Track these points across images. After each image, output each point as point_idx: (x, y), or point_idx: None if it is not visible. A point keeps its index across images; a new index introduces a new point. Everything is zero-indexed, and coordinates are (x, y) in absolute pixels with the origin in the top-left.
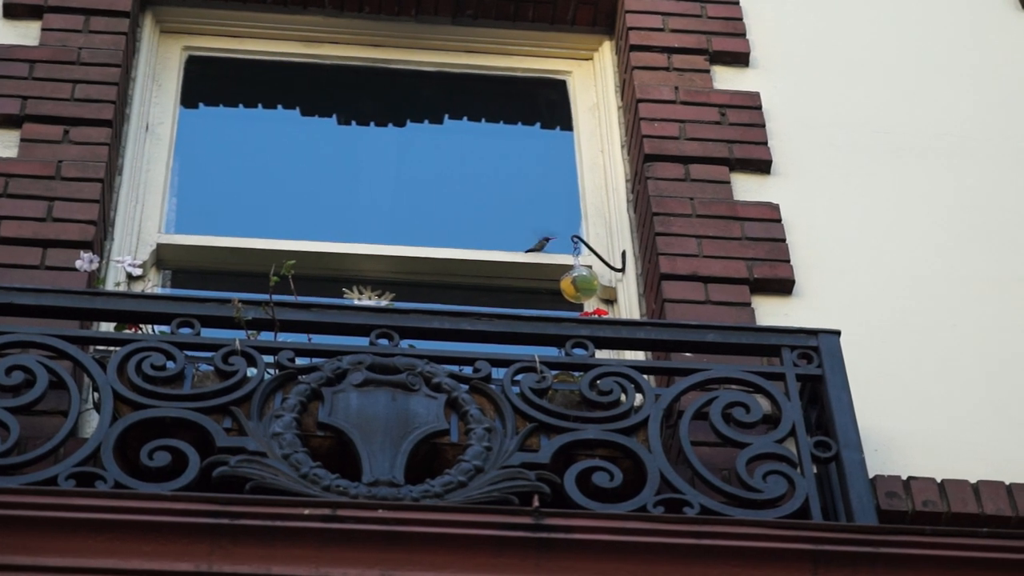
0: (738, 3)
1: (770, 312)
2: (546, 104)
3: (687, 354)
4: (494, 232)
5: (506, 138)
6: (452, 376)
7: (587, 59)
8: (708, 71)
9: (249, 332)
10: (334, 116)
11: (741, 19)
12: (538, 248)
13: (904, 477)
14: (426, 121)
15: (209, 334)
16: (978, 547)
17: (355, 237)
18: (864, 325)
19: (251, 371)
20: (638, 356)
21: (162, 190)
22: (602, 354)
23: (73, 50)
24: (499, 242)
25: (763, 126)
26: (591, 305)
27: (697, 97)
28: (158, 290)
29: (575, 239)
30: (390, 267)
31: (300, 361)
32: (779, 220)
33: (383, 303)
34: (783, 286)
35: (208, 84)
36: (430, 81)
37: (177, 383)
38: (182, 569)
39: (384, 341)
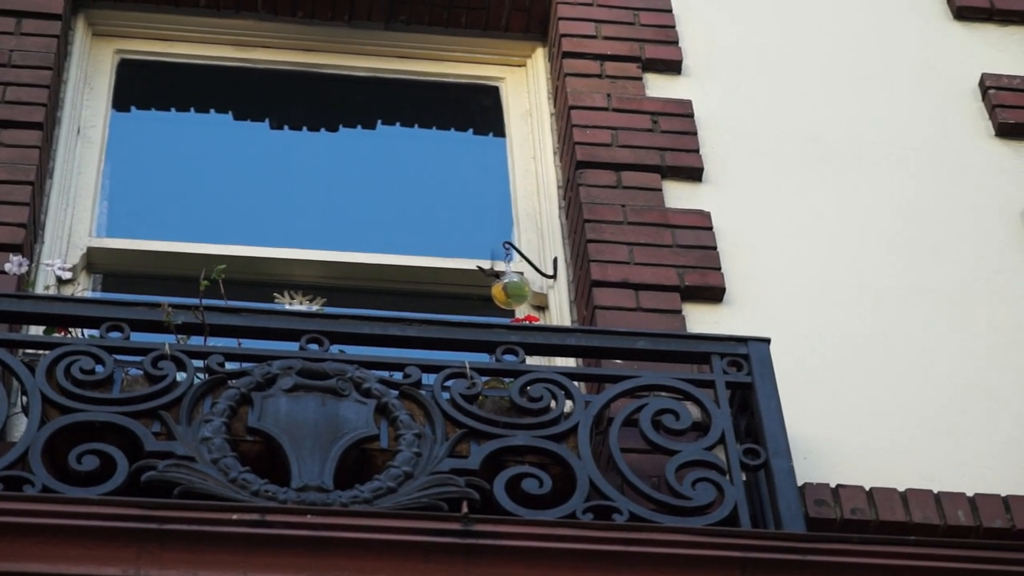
0: (671, 11)
1: (701, 319)
2: (479, 110)
3: (617, 361)
4: (426, 238)
5: (439, 144)
6: (382, 382)
7: (520, 66)
8: (640, 79)
9: (179, 336)
10: (266, 120)
11: (674, 27)
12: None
13: (833, 485)
14: (359, 126)
15: (139, 338)
16: (906, 555)
17: (286, 242)
18: (794, 333)
19: (181, 375)
20: (569, 363)
21: (93, 193)
22: (533, 360)
23: (4, 52)
24: (431, 248)
25: (695, 134)
26: (522, 311)
27: (629, 104)
28: (88, 294)
29: (507, 245)
30: (321, 272)
31: (230, 366)
32: (710, 228)
33: (314, 308)
34: (714, 294)
35: (140, 87)
36: (363, 86)
37: (106, 387)
38: (109, 573)
39: (314, 346)
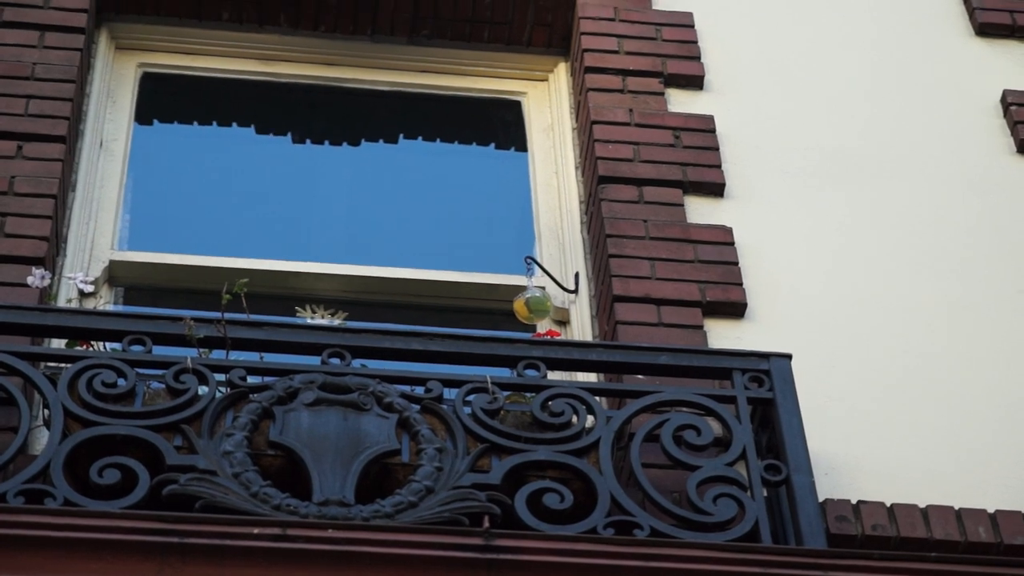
0: (693, 26)
1: (722, 335)
2: (501, 125)
3: (639, 376)
4: (448, 252)
5: (461, 158)
6: (404, 396)
7: (542, 80)
8: (663, 94)
9: (201, 350)
10: (289, 134)
11: (696, 42)
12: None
13: (854, 501)
14: (381, 140)
15: (161, 352)
16: (927, 572)
17: (308, 256)
18: (815, 349)
19: (202, 389)
20: (590, 378)
21: (115, 207)
22: (554, 375)
23: (28, 65)
24: (453, 262)
25: (717, 149)
26: (544, 326)
27: (651, 120)
28: (110, 307)
29: (528, 260)
30: (343, 286)
31: (252, 380)
32: (732, 243)
33: (335, 322)
34: (735, 309)
35: (163, 101)
36: (385, 100)
37: (128, 400)
38: None
39: (336, 360)
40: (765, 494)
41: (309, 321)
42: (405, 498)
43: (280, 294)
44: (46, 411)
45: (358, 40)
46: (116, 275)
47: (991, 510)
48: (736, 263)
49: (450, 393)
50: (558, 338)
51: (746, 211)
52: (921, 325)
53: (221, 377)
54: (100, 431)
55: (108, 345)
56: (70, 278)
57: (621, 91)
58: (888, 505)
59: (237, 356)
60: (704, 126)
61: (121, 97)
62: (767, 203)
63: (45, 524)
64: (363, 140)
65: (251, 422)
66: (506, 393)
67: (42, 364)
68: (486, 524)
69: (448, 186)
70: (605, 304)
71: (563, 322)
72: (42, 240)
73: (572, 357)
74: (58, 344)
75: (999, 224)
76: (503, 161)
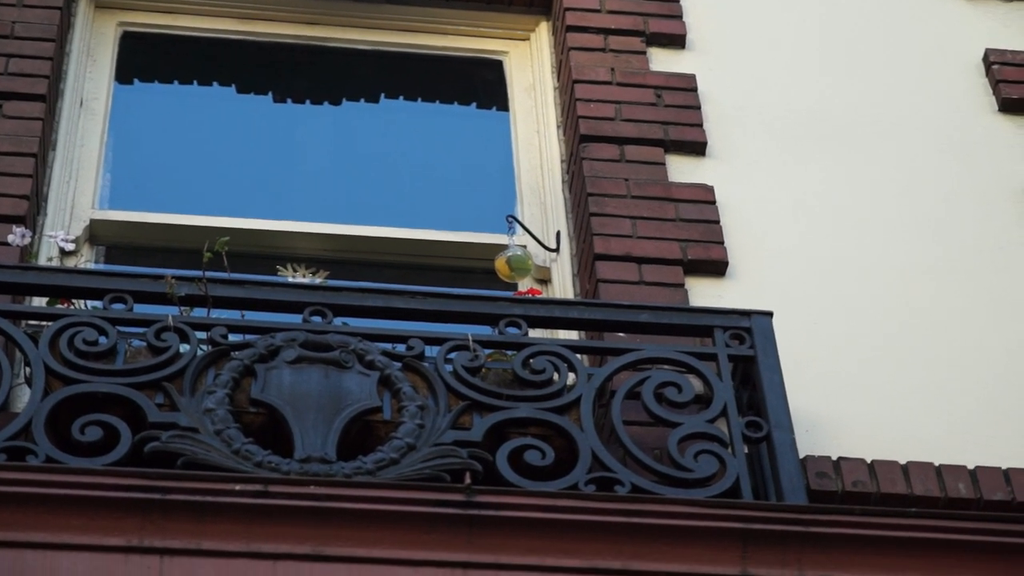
0: None
1: (703, 293)
2: (482, 84)
3: (620, 334)
4: (429, 211)
5: (442, 117)
6: (385, 354)
7: (524, 39)
8: (644, 53)
9: (182, 308)
10: (270, 94)
11: (678, 1)
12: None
13: (834, 457)
14: (362, 99)
15: (142, 310)
16: (907, 527)
17: (290, 215)
18: (796, 307)
19: (184, 347)
20: (571, 335)
21: (96, 166)
22: (535, 333)
23: (7, 24)
24: (434, 221)
25: (698, 108)
26: (525, 284)
27: (633, 79)
28: (91, 265)
29: (510, 219)
30: (324, 245)
31: (233, 338)
32: (713, 202)
33: (317, 281)
34: (716, 267)
35: (143, 60)
36: (366, 60)
37: (109, 358)
38: (113, 544)
39: (317, 318)
40: (746, 451)
41: (290, 279)
42: (387, 455)
43: (261, 253)
44: (27, 369)
45: None
46: (97, 234)
47: (971, 466)
48: (717, 222)
49: (431, 351)
50: (539, 296)
51: (727, 170)
52: (901, 283)
53: (202, 335)
54: (82, 388)
55: (89, 303)
56: (51, 236)
57: (603, 50)
58: (868, 461)
59: (218, 314)
60: (686, 85)
61: (101, 56)
62: (749, 162)
63: (27, 481)
64: (344, 99)
65: (233, 380)
66: (487, 351)
67: (23, 322)
68: (468, 481)
69: (430, 145)
70: (586, 262)
71: (544, 280)
72: (22, 199)
73: (553, 315)
74: (39, 302)
75: (980, 183)
76: (485, 120)
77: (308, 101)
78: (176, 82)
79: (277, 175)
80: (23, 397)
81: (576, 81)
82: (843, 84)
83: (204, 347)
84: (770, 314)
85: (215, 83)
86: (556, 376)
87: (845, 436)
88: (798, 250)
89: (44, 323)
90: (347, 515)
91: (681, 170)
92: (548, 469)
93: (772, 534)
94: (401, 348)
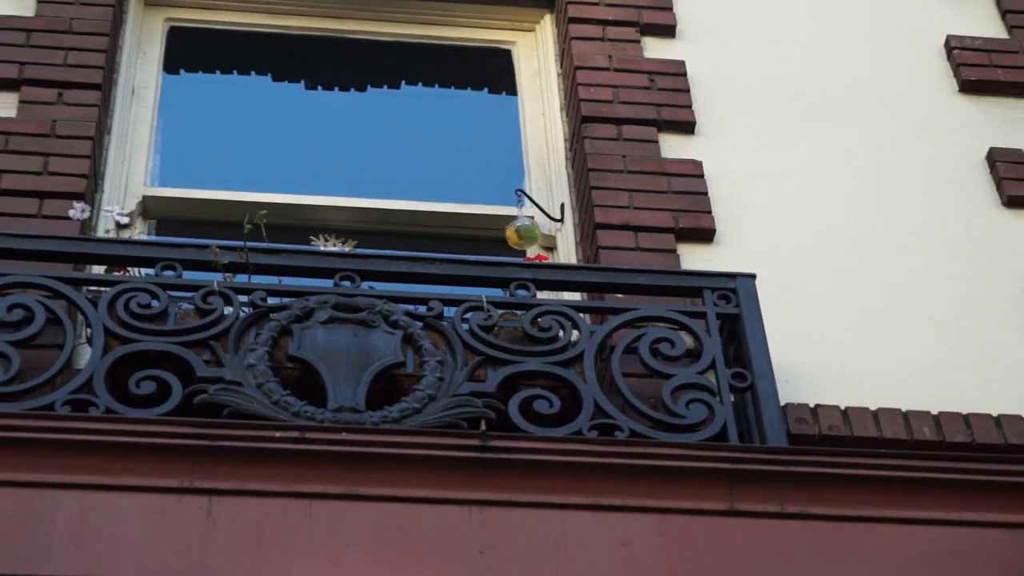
0: None
1: (693, 258)
2: (493, 71)
3: (619, 295)
4: (446, 186)
5: (457, 101)
6: (408, 314)
7: (530, 30)
8: (639, 42)
9: (226, 275)
10: (302, 81)
11: None
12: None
13: (812, 405)
14: (384, 86)
15: (190, 276)
16: (877, 466)
17: (321, 190)
18: (778, 270)
19: (227, 309)
20: (575, 296)
21: (147, 147)
22: (543, 295)
23: (65, 20)
24: (451, 195)
25: (688, 91)
26: (533, 251)
27: (629, 65)
28: (144, 237)
29: (518, 192)
30: (352, 217)
31: (272, 301)
32: (702, 175)
33: (346, 249)
34: (705, 235)
35: (188, 52)
36: (388, 50)
37: (161, 320)
38: (167, 485)
39: (347, 283)
40: (732, 399)
41: (322, 248)
42: (410, 405)
43: (296, 224)
44: (88, 330)
45: None
46: (149, 208)
47: (935, 412)
48: (705, 193)
49: (449, 311)
50: (546, 261)
51: (715, 146)
52: (873, 248)
53: (244, 299)
54: (137, 347)
55: (142, 271)
56: (107, 211)
57: (601, 39)
58: (842, 408)
59: (258, 280)
60: (676, 70)
61: (150, 49)
62: (734, 139)
63: (89, 429)
64: (369, 86)
65: (271, 338)
66: (500, 311)
67: (84, 288)
68: (483, 427)
69: (445, 127)
70: (588, 231)
71: (550, 248)
72: (81, 177)
73: (559, 278)
74: (98, 270)
75: (943, 157)
76: (495, 104)
77: (336, 88)
78: (218, 72)
79: (309, 154)
80: (84, 355)
81: (577, 68)
82: (819, 67)
83: (246, 309)
84: (753, 276)
85: (253, 72)
86: (562, 333)
87: (821, 385)
88: (779, 218)
89: (102, 289)
90: (375, 459)
91: (672, 147)
92: (555, 417)
93: (756, 474)
94: (422, 309)
